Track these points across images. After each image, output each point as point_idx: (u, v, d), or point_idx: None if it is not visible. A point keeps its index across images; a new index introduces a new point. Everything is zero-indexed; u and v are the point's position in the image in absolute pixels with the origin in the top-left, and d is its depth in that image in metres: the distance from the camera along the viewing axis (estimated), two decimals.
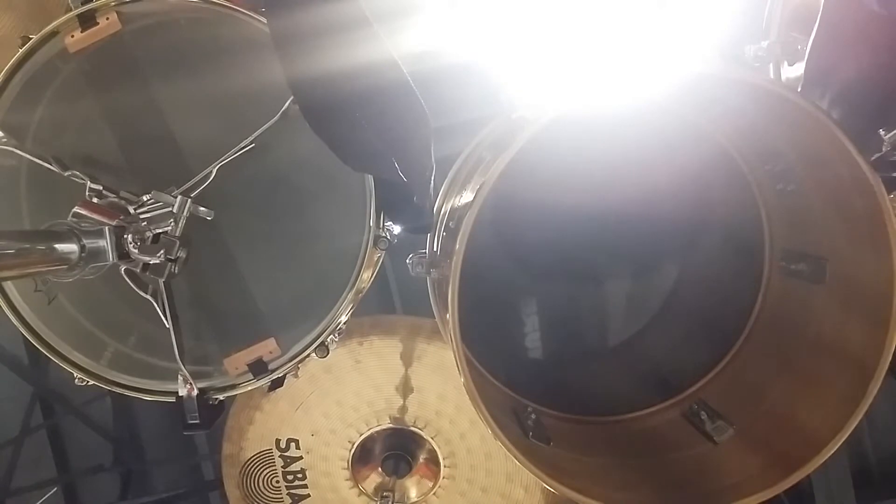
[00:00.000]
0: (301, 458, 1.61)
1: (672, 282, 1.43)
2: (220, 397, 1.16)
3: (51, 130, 1.13)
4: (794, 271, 1.19)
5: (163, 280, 1.04)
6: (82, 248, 0.89)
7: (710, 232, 1.38)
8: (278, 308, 1.16)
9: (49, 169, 1.08)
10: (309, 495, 1.64)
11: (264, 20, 1.02)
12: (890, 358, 0.96)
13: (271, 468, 1.62)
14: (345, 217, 1.12)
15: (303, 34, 0.92)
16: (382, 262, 1.25)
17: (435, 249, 1.26)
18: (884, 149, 0.96)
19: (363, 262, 1.10)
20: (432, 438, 1.58)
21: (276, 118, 1.05)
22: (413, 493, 1.63)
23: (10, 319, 1.14)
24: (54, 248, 0.87)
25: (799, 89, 1.05)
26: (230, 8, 1.06)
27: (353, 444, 1.59)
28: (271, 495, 1.64)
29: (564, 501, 1.01)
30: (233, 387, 1.15)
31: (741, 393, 1.23)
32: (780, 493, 0.99)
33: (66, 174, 1.07)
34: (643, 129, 1.18)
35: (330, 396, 1.55)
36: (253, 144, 1.07)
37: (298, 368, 1.17)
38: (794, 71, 1.13)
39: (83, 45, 1.09)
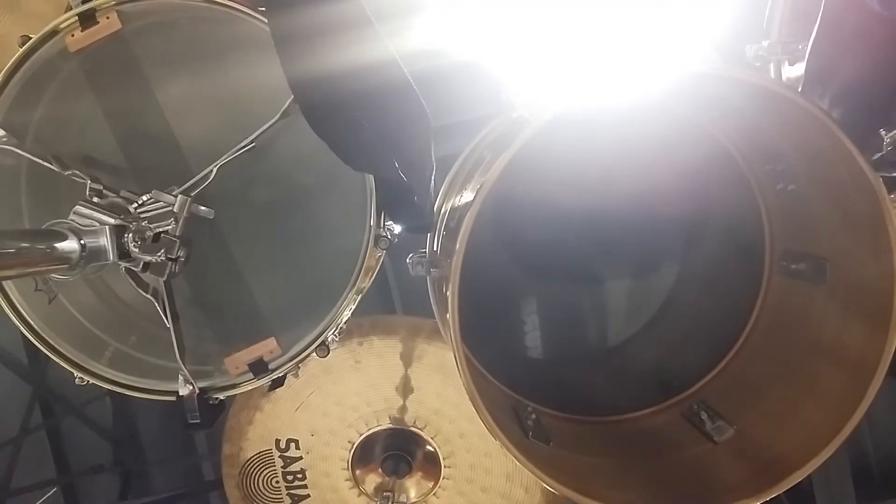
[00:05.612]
0: (301, 458, 1.61)
1: (672, 281, 1.43)
2: (221, 397, 1.16)
3: (51, 130, 1.13)
4: (795, 271, 1.19)
5: (163, 279, 1.03)
6: (83, 247, 0.89)
7: (710, 232, 1.38)
8: (279, 307, 1.16)
9: (49, 168, 1.08)
10: (309, 495, 1.64)
11: (264, 19, 1.02)
12: (890, 358, 0.96)
13: (271, 468, 1.62)
14: (345, 216, 1.12)
15: (303, 33, 0.92)
16: (382, 262, 1.25)
17: (435, 249, 1.26)
18: (884, 149, 0.96)
19: (364, 262, 1.10)
20: (432, 438, 1.57)
21: (276, 118, 1.05)
22: (413, 493, 1.63)
23: (10, 319, 1.13)
24: (55, 248, 0.87)
25: (799, 89, 1.06)
26: (230, 7, 1.06)
27: (353, 444, 1.59)
28: (271, 495, 1.64)
29: (564, 501, 1.01)
30: (233, 386, 1.15)
31: (741, 393, 1.23)
32: (781, 493, 0.99)
33: (67, 173, 1.07)
34: (643, 128, 1.18)
35: (330, 396, 1.55)
36: (253, 144, 1.07)
37: (299, 368, 1.17)
38: (794, 71, 1.13)
39: (83, 45, 1.09)
